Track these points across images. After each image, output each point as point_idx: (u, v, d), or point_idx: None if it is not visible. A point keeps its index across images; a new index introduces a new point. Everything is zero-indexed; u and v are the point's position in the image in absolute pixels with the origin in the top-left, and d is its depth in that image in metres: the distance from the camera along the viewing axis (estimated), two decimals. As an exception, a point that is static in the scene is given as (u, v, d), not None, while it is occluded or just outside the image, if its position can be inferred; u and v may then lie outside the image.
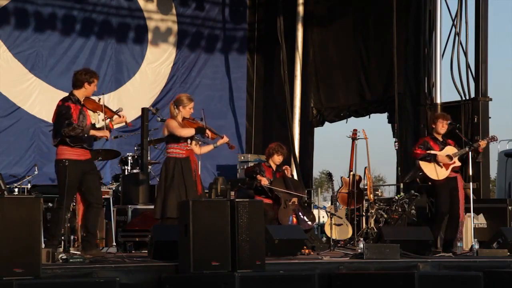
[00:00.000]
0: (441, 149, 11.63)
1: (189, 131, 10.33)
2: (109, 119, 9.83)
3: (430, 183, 11.75)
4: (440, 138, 11.74)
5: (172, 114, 10.39)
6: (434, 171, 11.63)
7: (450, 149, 11.65)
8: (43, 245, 8.98)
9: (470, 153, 11.61)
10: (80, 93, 9.72)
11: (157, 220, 10.31)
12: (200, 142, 11.01)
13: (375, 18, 15.77)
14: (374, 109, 15.92)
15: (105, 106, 9.81)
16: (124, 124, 10.10)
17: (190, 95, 10.68)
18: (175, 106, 10.38)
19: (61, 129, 9.49)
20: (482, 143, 11.75)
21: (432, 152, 11.59)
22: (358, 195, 13.20)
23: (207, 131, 10.44)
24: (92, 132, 9.67)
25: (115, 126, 10.13)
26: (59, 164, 9.61)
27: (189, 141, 10.38)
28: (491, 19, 14.18)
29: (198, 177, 10.41)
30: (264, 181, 11.85)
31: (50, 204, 12.45)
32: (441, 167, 11.58)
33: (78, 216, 9.96)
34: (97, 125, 9.84)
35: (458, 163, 11.62)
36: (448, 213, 11.57)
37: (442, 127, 11.71)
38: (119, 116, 9.86)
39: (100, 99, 9.81)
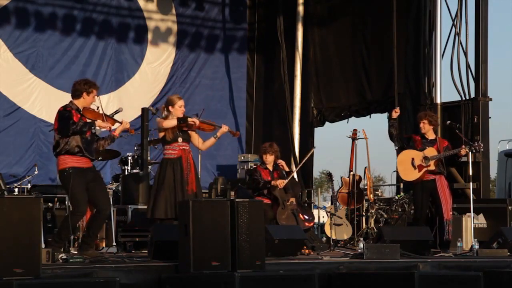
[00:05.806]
0: (421, 150, 11.57)
1: (171, 121, 10.26)
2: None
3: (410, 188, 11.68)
4: (430, 137, 11.68)
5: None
6: (406, 171, 11.62)
7: (430, 151, 11.58)
8: (43, 245, 8.99)
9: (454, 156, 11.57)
10: (79, 103, 9.64)
11: (156, 220, 10.33)
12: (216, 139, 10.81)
13: (375, 18, 15.75)
14: (375, 109, 15.91)
15: (105, 115, 9.72)
16: (127, 130, 10.03)
17: (179, 95, 10.63)
18: (165, 108, 10.42)
19: (69, 128, 9.38)
20: (463, 151, 11.59)
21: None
22: (358, 195, 13.20)
23: (192, 119, 10.25)
24: (98, 123, 9.54)
25: (119, 133, 9.98)
26: (63, 173, 9.54)
27: (180, 139, 10.36)
28: (491, 19, 14.21)
29: (192, 176, 10.33)
30: (281, 183, 11.70)
31: (50, 204, 12.46)
32: (415, 168, 11.53)
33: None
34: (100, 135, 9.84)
35: (432, 167, 11.49)
36: (422, 217, 11.59)
37: (422, 126, 11.67)
38: (120, 123, 9.80)
39: (98, 108, 9.72)
